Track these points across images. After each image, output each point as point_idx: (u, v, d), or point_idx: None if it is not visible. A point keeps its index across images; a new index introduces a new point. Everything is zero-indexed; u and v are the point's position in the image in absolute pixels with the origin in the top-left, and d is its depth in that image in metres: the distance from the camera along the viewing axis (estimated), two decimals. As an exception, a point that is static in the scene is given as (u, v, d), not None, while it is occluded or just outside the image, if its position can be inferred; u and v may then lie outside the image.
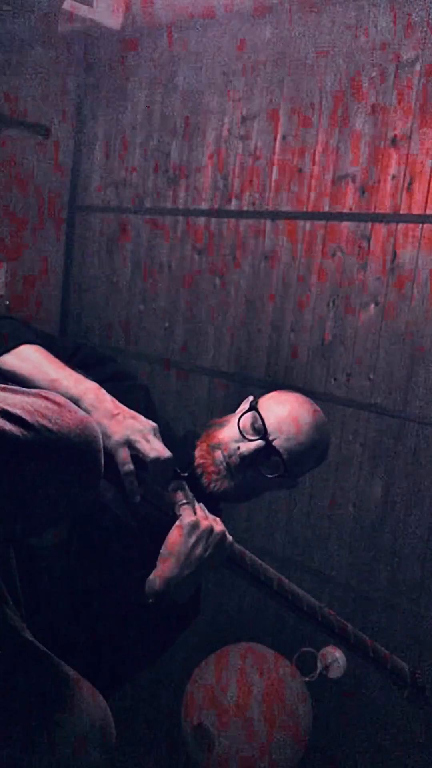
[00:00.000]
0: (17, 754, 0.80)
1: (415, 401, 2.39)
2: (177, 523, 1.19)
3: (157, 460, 1.11)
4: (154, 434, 1.14)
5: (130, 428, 1.12)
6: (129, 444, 1.11)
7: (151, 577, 1.18)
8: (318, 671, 2.48)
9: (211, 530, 1.19)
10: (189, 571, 1.18)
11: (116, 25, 2.91)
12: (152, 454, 1.11)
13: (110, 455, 1.10)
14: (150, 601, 1.17)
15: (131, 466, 1.11)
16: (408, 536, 2.43)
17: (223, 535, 1.21)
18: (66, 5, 2.60)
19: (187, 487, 1.24)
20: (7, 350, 1.17)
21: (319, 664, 2.49)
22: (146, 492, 1.15)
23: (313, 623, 1.36)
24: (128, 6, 2.90)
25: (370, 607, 2.51)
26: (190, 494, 1.23)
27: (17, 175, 3.16)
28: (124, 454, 1.10)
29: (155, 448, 1.12)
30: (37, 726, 0.81)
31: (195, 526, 1.18)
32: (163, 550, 1.19)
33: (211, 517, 1.22)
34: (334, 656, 2.47)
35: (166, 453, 1.13)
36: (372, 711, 2.51)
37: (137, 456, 1.12)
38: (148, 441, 1.12)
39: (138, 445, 1.11)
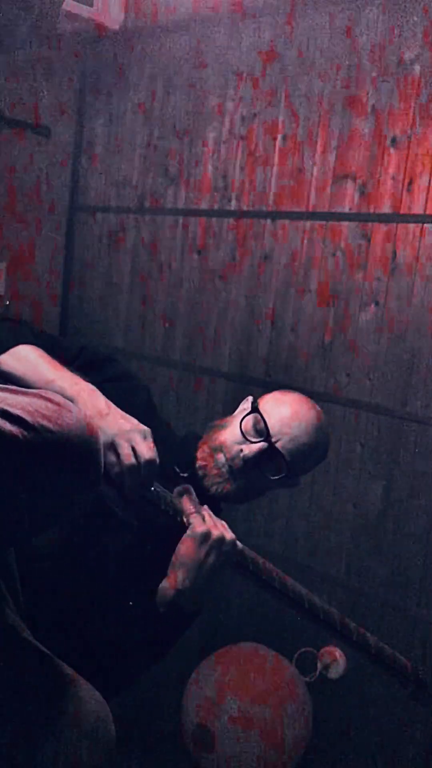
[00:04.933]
0: (17, 755, 0.80)
1: (415, 401, 2.39)
2: (188, 533, 1.18)
3: (131, 468, 1.08)
4: (143, 437, 1.10)
5: (117, 430, 1.09)
6: (113, 446, 1.08)
7: (163, 586, 1.18)
8: (318, 671, 2.48)
9: (222, 539, 1.19)
10: (202, 581, 1.18)
11: (116, 25, 2.91)
12: (127, 461, 1.07)
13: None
14: (161, 610, 1.17)
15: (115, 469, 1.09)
16: (408, 536, 2.43)
17: (233, 543, 1.21)
18: (66, 5, 2.60)
19: (193, 491, 1.23)
20: (5, 350, 1.17)
21: (319, 664, 2.49)
22: (147, 493, 1.15)
23: (316, 621, 1.36)
24: (128, 6, 2.90)
25: (370, 607, 2.51)
26: (197, 500, 1.23)
27: (17, 175, 3.16)
28: (108, 456, 1.09)
29: (140, 451, 1.08)
30: (36, 726, 0.81)
31: (206, 536, 1.18)
32: (175, 560, 1.19)
33: (219, 523, 1.22)
34: (334, 656, 2.47)
35: (145, 459, 1.09)
36: (372, 711, 2.51)
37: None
38: (131, 444, 1.09)
39: (119, 449, 1.08)
